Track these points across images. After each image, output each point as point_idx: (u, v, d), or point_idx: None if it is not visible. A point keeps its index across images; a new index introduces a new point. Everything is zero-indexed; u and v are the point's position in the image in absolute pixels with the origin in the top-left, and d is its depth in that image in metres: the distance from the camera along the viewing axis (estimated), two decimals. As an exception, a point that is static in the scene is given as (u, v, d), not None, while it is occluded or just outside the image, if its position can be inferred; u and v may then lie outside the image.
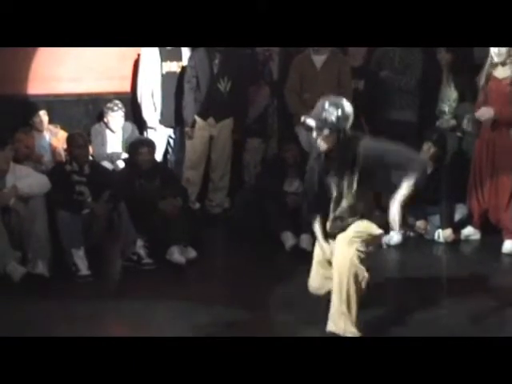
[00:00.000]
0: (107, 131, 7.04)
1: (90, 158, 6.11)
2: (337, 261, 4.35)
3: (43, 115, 6.73)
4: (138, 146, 6.17)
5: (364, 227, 4.38)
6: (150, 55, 7.11)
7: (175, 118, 7.23)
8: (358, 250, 4.30)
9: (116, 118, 7.01)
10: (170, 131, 7.35)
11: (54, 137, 6.77)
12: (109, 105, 7.02)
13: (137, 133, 7.15)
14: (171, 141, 7.41)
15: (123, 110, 7.04)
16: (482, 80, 6.26)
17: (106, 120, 7.04)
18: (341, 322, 4.34)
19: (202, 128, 7.12)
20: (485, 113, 6.14)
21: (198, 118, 7.10)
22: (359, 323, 4.37)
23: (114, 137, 7.07)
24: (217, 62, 7.01)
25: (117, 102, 7.04)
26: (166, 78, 7.18)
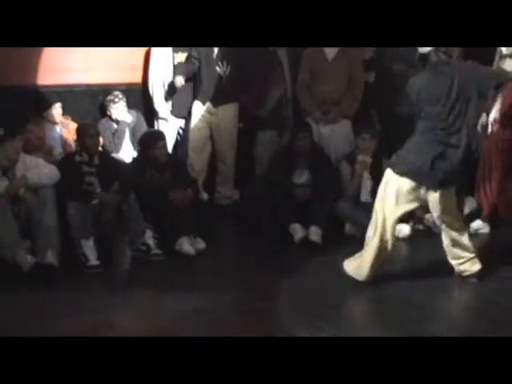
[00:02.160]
0: (113, 124, 7.01)
1: (100, 148, 6.11)
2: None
3: (59, 107, 6.73)
4: (155, 140, 6.14)
5: None
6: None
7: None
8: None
9: (119, 109, 6.96)
10: (181, 122, 7.33)
11: (65, 128, 6.75)
12: (109, 97, 6.97)
13: (142, 119, 7.14)
14: (181, 132, 7.39)
15: (124, 99, 6.99)
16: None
17: (109, 113, 7.00)
18: (355, 263, 4.97)
19: (202, 114, 7.09)
20: None
21: (197, 102, 7.08)
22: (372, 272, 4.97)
23: (118, 127, 6.99)
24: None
25: (116, 93, 6.99)
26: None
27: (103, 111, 7.08)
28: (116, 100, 6.96)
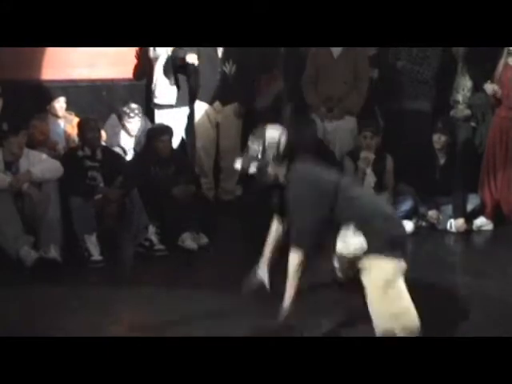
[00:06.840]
0: (123, 133, 6.82)
1: (103, 143, 6.11)
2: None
3: (62, 102, 6.71)
4: (160, 134, 6.18)
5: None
6: None
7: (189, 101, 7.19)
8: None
9: (133, 124, 6.78)
10: (183, 117, 7.29)
11: (69, 124, 6.74)
12: (125, 110, 6.76)
13: (149, 123, 7.07)
14: (184, 127, 7.36)
15: (140, 115, 6.82)
16: (499, 69, 6.23)
17: (123, 123, 6.80)
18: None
19: (207, 113, 7.11)
20: None
21: (202, 103, 7.08)
22: None
23: (129, 138, 6.89)
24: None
25: (133, 106, 6.79)
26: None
27: (117, 113, 6.89)
28: (132, 115, 6.76)
